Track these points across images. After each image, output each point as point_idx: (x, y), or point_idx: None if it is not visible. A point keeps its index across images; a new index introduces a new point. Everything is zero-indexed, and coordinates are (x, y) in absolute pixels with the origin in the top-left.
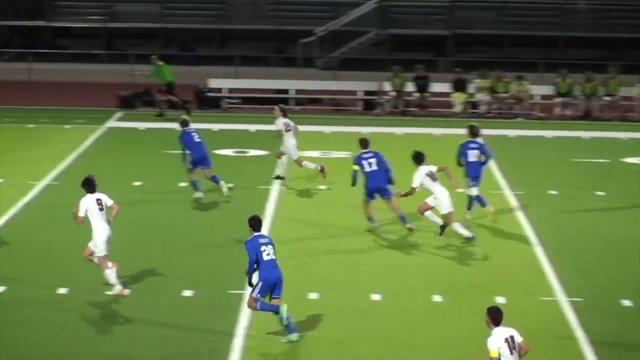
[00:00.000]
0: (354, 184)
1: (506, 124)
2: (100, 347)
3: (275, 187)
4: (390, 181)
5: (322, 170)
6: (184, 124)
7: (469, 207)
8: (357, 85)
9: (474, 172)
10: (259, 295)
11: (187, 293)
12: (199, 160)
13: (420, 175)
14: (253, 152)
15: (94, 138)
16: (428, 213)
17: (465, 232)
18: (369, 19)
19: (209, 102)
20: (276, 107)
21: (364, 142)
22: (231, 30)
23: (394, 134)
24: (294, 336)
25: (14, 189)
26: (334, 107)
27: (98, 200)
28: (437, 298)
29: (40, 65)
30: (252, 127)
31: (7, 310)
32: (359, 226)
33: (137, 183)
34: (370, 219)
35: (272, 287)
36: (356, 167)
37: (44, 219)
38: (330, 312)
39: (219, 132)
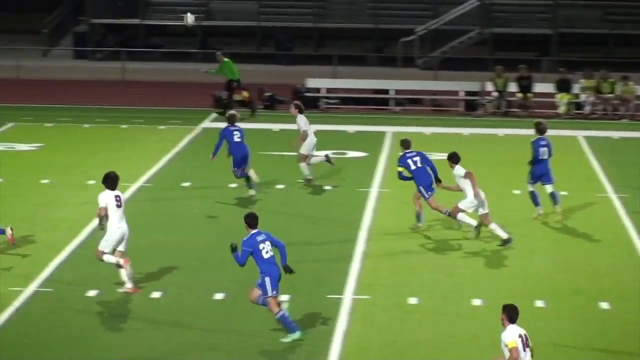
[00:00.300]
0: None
1: (611, 125)
2: (198, 352)
3: (375, 189)
4: (437, 179)
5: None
6: (231, 119)
7: (556, 203)
8: (459, 85)
9: (541, 170)
10: (274, 292)
11: (285, 297)
12: (239, 160)
13: (458, 173)
14: (352, 154)
15: (189, 139)
16: (461, 215)
17: (470, 221)
18: (470, 17)
19: (306, 103)
20: (292, 105)
21: (407, 143)
22: (329, 28)
23: (496, 136)
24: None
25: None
26: (435, 107)
27: (117, 197)
28: (539, 303)
29: (134, 65)
30: (351, 128)
31: (99, 314)
32: (459, 229)
33: (232, 185)
34: (454, 218)
35: (277, 281)
36: (400, 168)
37: (137, 222)
38: (430, 317)
39: (316, 133)
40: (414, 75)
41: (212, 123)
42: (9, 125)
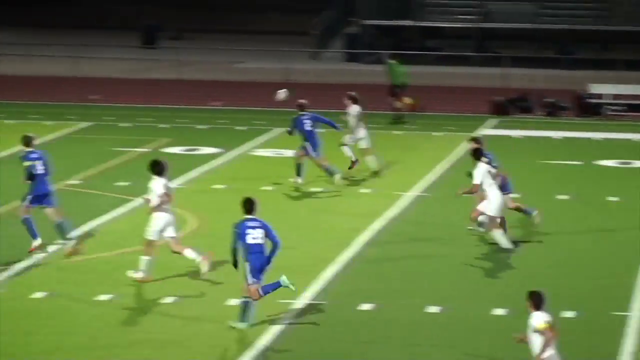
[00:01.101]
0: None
1: None
2: None
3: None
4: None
5: (353, 164)
6: (300, 107)
7: None
8: None
9: None
10: (254, 280)
11: (569, 314)
12: (313, 146)
13: (481, 172)
14: (638, 164)
15: (465, 146)
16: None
17: (504, 242)
18: None
19: (589, 109)
20: (345, 96)
21: (480, 142)
22: (614, 31)
23: None
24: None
25: (381, 200)
26: None
27: (166, 185)
28: None
29: (408, 68)
30: (637, 137)
31: (373, 329)
32: None
33: (513, 195)
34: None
35: (259, 270)
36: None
37: (412, 234)
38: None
39: (600, 142)
40: None
41: (491, 130)
42: (278, 130)
